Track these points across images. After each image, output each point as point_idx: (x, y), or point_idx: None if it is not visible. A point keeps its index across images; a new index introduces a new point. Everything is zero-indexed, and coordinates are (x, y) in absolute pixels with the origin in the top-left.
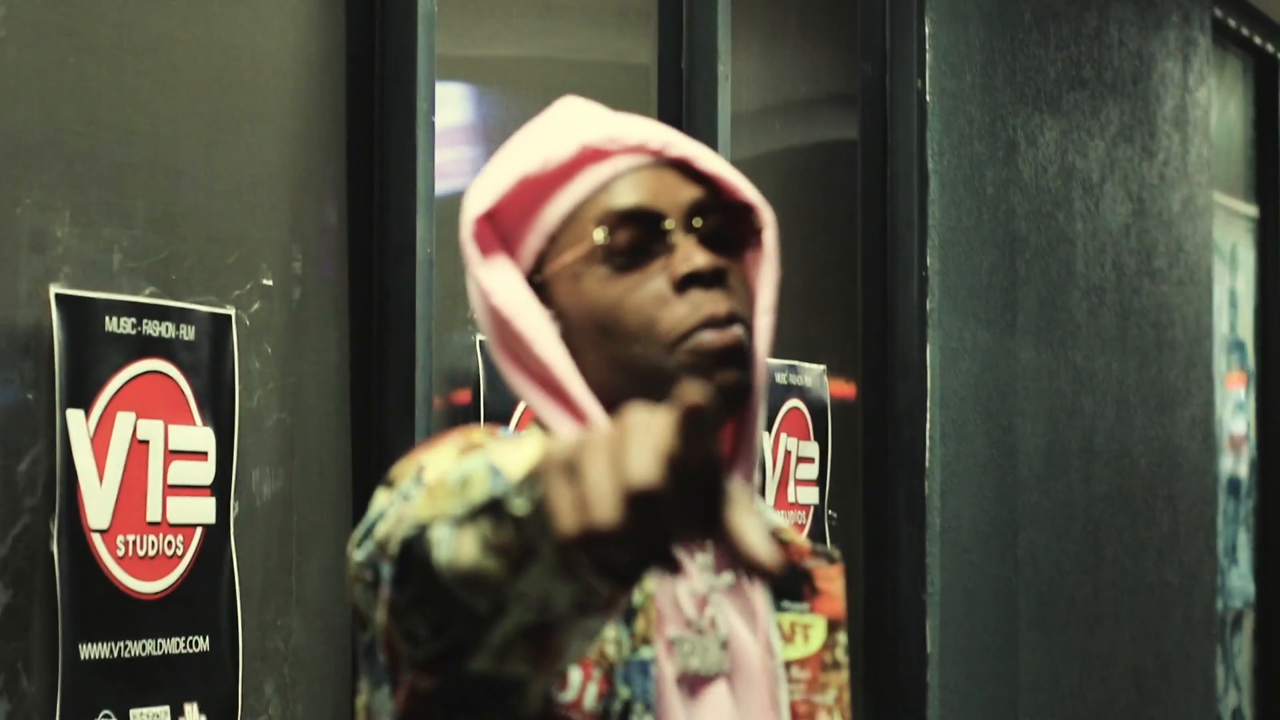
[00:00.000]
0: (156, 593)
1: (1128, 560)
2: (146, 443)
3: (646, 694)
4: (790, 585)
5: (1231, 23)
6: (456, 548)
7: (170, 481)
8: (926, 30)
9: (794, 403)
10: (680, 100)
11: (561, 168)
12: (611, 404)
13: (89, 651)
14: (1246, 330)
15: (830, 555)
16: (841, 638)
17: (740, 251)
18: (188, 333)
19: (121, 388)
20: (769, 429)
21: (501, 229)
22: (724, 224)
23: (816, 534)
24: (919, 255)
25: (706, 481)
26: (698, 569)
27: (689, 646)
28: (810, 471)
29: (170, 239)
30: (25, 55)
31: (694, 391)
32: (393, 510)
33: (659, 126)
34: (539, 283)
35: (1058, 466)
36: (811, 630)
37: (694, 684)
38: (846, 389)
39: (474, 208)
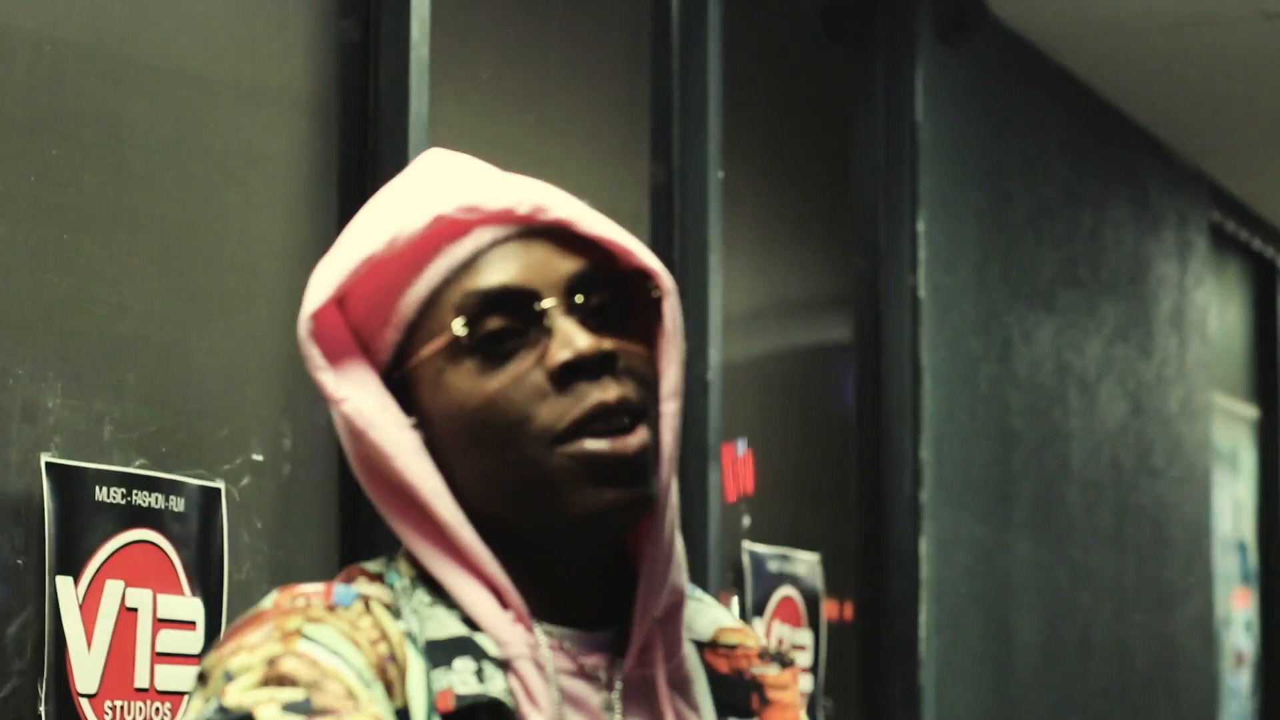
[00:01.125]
0: None
1: None
2: (135, 610)
3: None
4: (738, 698)
5: (1230, 226)
6: None
7: (159, 649)
8: (919, 227)
9: (787, 590)
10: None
11: (413, 246)
12: (486, 520)
13: None
14: (1249, 533)
15: (783, 658)
16: None
17: (637, 328)
18: (177, 504)
19: (111, 556)
20: (760, 614)
21: (352, 318)
22: (613, 298)
23: None
24: (912, 447)
25: None
26: (601, 711)
27: None
28: (804, 659)
29: (161, 412)
30: (18, 231)
31: None
32: None
33: (530, 186)
34: (398, 380)
35: (1054, 660)
36: None
37: None
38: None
39: (312, 300)
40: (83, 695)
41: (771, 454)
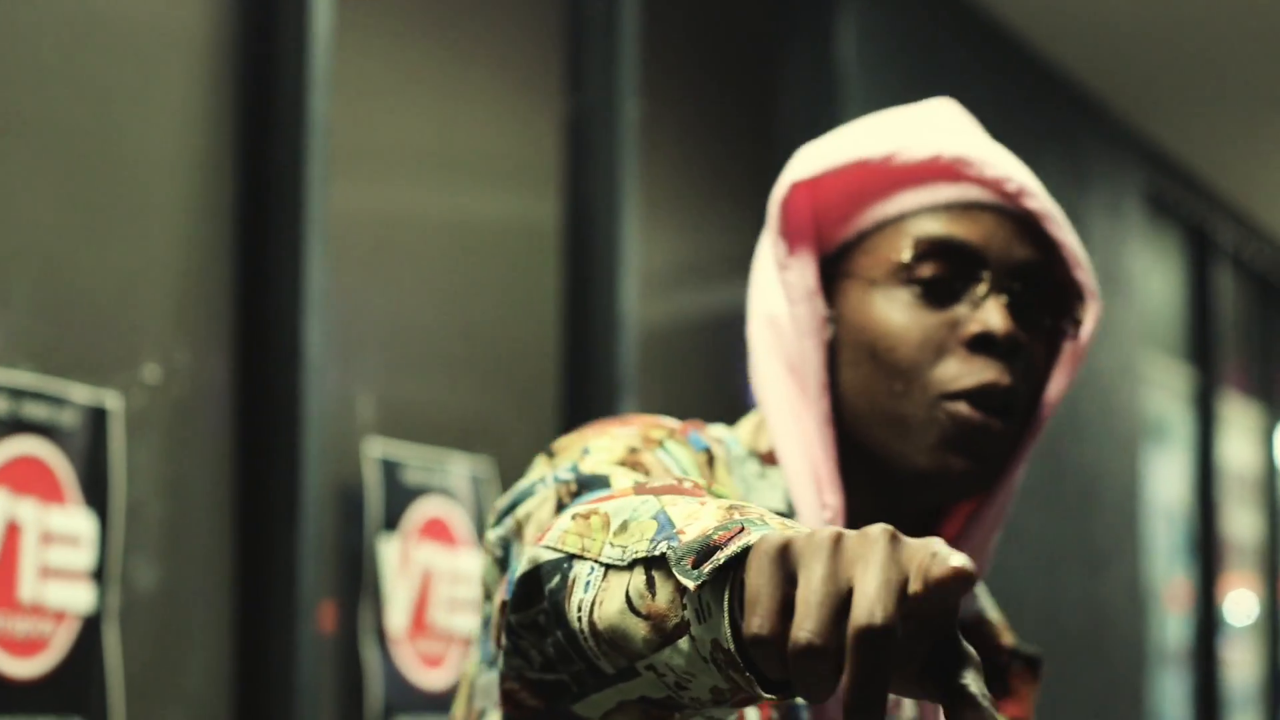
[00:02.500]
0: (29, 677)
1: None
2: (20, 525)
3: None
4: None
5: (1168, 195)
6: (599, 595)
7: (46, 563)
8: None
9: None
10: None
11: (905, 169)
12: (848, 428)
13: None
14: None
15: (1032, 661)
16: None
17: (1048, 333)
18: (67, 418)
19: None
20: None
21: (817, 200)
22: (1043, 299)
23: None
24: None
25: (941, 637)
26: None
27: None
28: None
29: (50, 324)
30: None
31: (961, 559)
32: (540, 494)
33: (1019, 168)
34: (829, 274)
35: None
36: None
37: None
38: None
39: (795, 171)
40: None
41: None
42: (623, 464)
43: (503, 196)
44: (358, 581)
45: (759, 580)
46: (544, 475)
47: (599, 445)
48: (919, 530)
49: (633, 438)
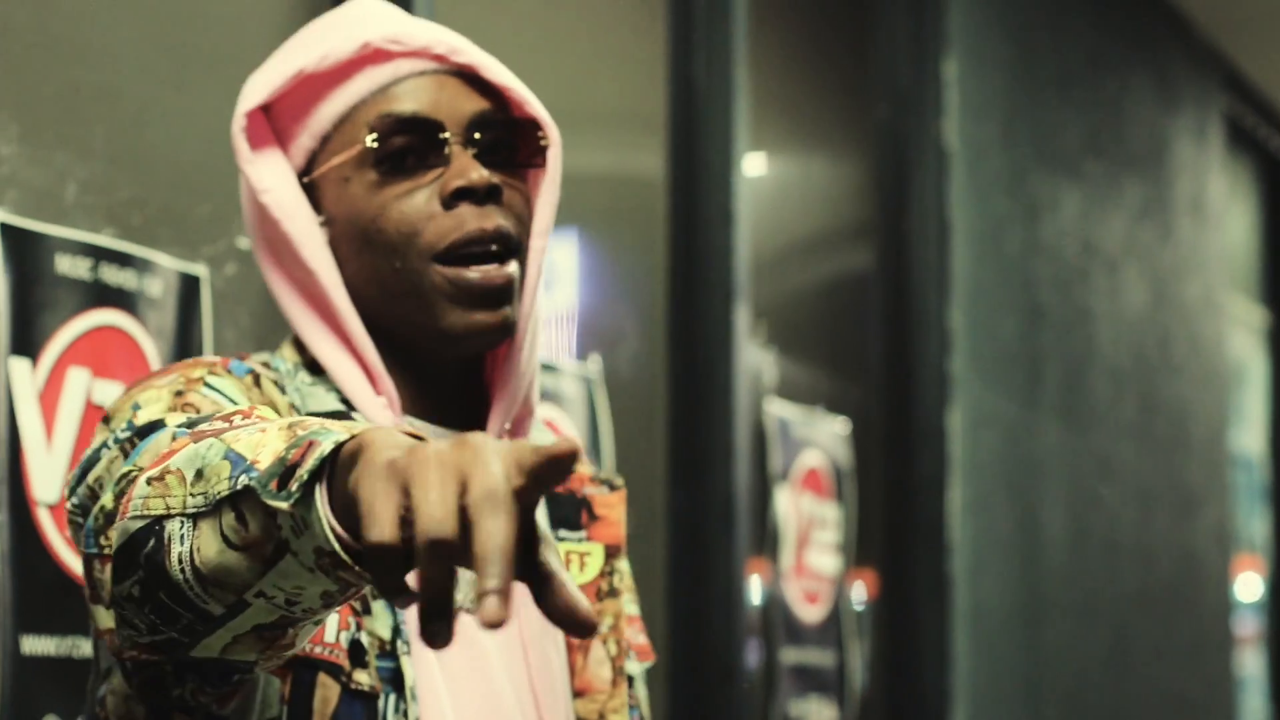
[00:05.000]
0: None
1: (1152, 667)
2: (103, 407)
3: (400, 622)
4: (568, 513)
5: (1246, 121)
6: (195, 544)
7: None
8: (949, 71)
9: (814, 458)
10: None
11: (340, 66)
12: (369, 317)
13: (32, 646)
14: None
15: (611, 482)
16: (621, 565)
17: (521, 170)
18: (152, 286)
19: (75, 340)
20: (784, 478)
21: (276, 124)
22: (506, 139)
23: (839, 614)
24: (939, 311)
25: (526, 526)
26: None
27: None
28: (831, 536)
29: (133, 177)
30: None
31: (567, 445)
32: (105, 457)
33: (447, 32)
34: (308, 184)
35: (1082, 558)
36: (589, 558)
37: None
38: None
39: (246, 101)
40: (41, 504)
41: (790, 313)
42: (173, 409)
43: (611, 147)
44: None
45: (372, 495)
46: (105, 439)
47: (146, 398)
48: (467, 387)
49: (175, 382)
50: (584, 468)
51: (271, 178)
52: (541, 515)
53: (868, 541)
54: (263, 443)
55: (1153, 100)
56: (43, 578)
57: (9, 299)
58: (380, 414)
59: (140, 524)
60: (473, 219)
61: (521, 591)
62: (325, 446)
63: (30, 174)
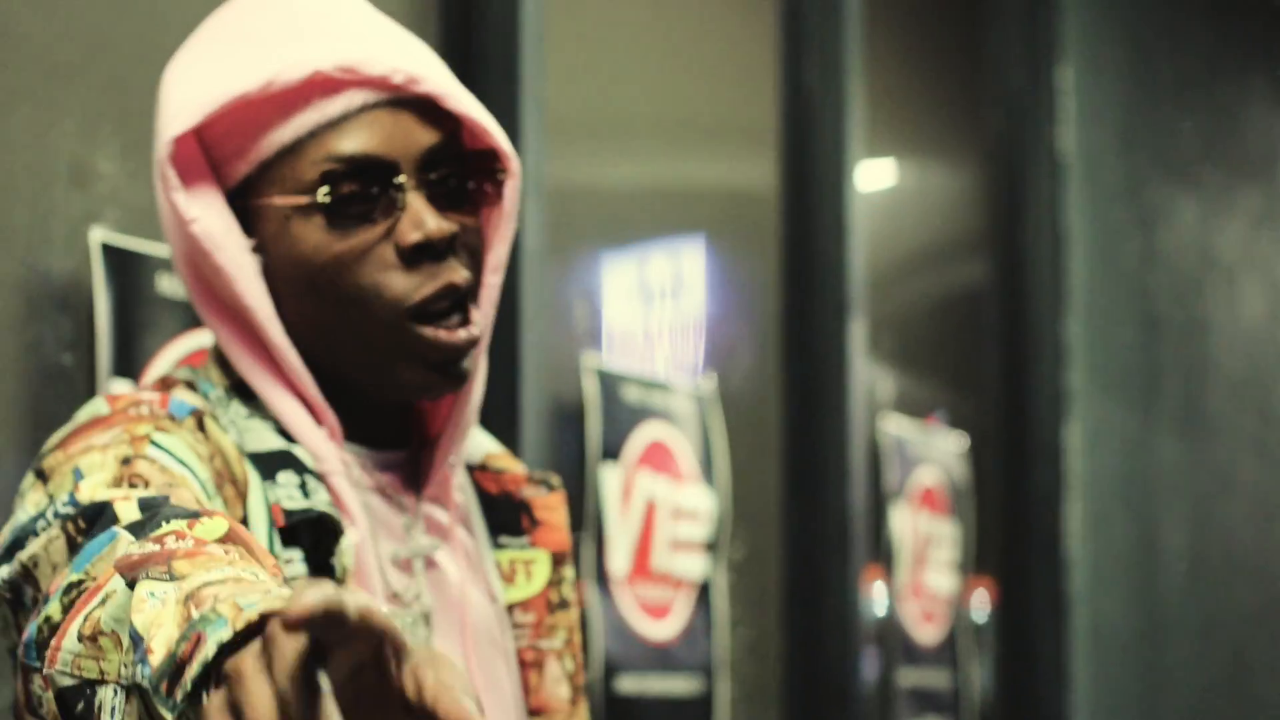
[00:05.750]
0: None
1: (1272, 687)
2: None
3: None
4: (507, 518)
5: None
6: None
7: None
8: (1064, 78)
9: (929, 475)
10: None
11: (286, 93)
12: (306, 350)
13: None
14: None
15: (548, 482)
16: (568, 573)
17: (474, 200)
18: None
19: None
20: (899, 495)
21: (204, 141)
22: (461, 173)
23: (955, 634)
24: (1054, 323)
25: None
26: (401, 532)
27: (404, 622)
28: (947, 554)
29: None
30: None
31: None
32: (45, 534)
33: (405, 52)
34: (240, 209)
35: (1201, 576)
36: (534, 567)
37: None
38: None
39: (176, 124)
40: None
41: (904, 326)
42: (119, 481)
43: (722, 159)
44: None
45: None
46: (43, 508)
47: (89, 464)
48: (404, 411)
49: (120, 444)
50: (517, 466)
51: (198, 207)
52: (480, 525)
53: (985, 559)
54: (159, 619)
55: (1270, 105)
56: None
57: (110, 320)
58: (323, 445)
59: (69, 682)
60: (435, 274)
61: (470, 603)
62: (209, 646)
63: (130, 192)
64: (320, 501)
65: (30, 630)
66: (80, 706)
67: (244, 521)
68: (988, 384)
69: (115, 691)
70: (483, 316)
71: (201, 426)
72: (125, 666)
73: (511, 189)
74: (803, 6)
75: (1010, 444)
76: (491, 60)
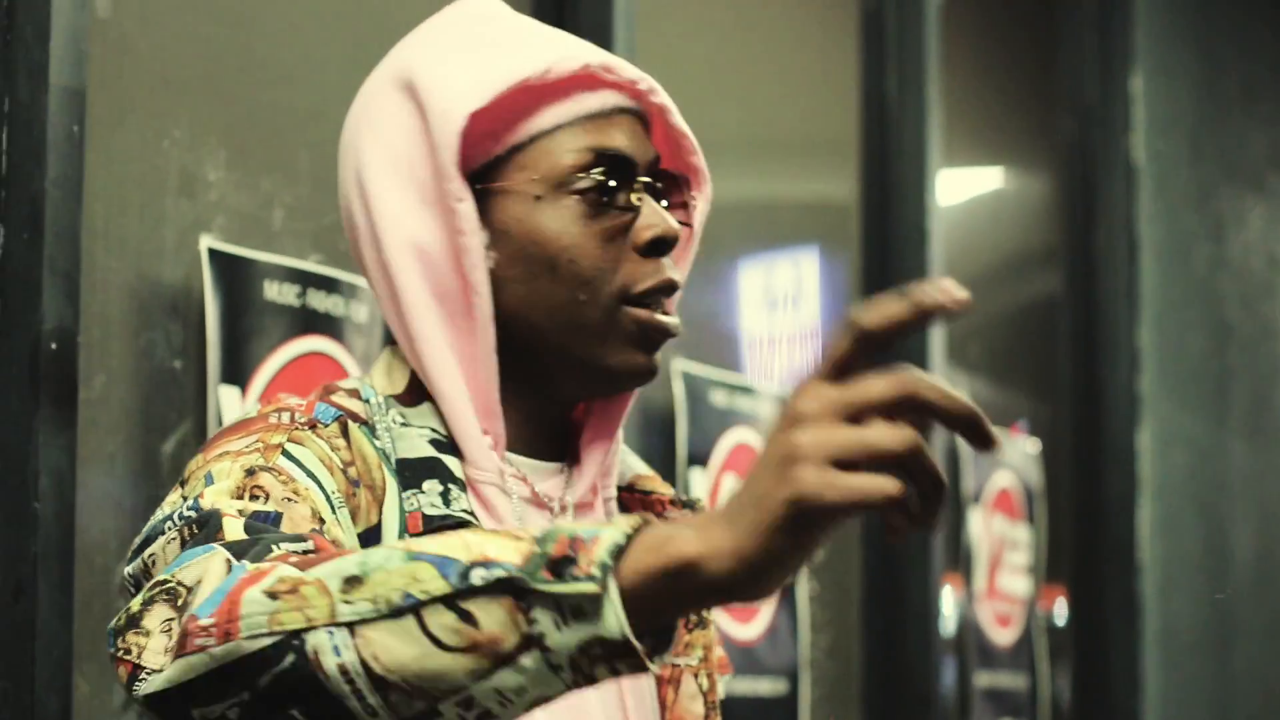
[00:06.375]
0: None
1: None
2: None
3: None
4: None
5: None
6: (367, 652)
7: None
8: (1136, 86)
9: (1004, 479)
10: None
11: (559, 82)
12: (511, 345)
13: None
14: None
15: (692, 504)
16: None
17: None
18: (358, 312)
19: (283, 367)
20: (976, 500)
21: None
22: (666, 185)
23: (1030, 636)
24: (1129, 329)
25: None
26: None
27: None
28: (1021, 558)
29: (336, 202)
30: None
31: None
32: (167, 534)
33: (632, 66)
34: (478, 190)
35: (1270, 580)
36: None
37: None
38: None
39: (468, 101)
40: None
41: (979, 333)
42: (240, 490)
43: (805, 172)
44: None
45: (823, 481)
46: (172, 511)
47: (220, 470)
48: (561, 422)
49: (251, 453)
50: (665, 489)
51: (462, 185)
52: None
53: (1058, 563)
54: (478, 545)
55: None
56: None
57: (219, 325)
58: (483, 454)
59: (267, 641)
60: (659, 269)
61: None
62: (612, 534)
63: (237, 199)
64: (460, 510)
65: (112, 621)
66: (289, 660)
67: (378, 526)
68: (1061, 389)
69: (330, 633)
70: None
71: (345, 432)
72: (346, 604)
73: (701, 214)
74: (883, 20)
75: (1084, 448)
76: None
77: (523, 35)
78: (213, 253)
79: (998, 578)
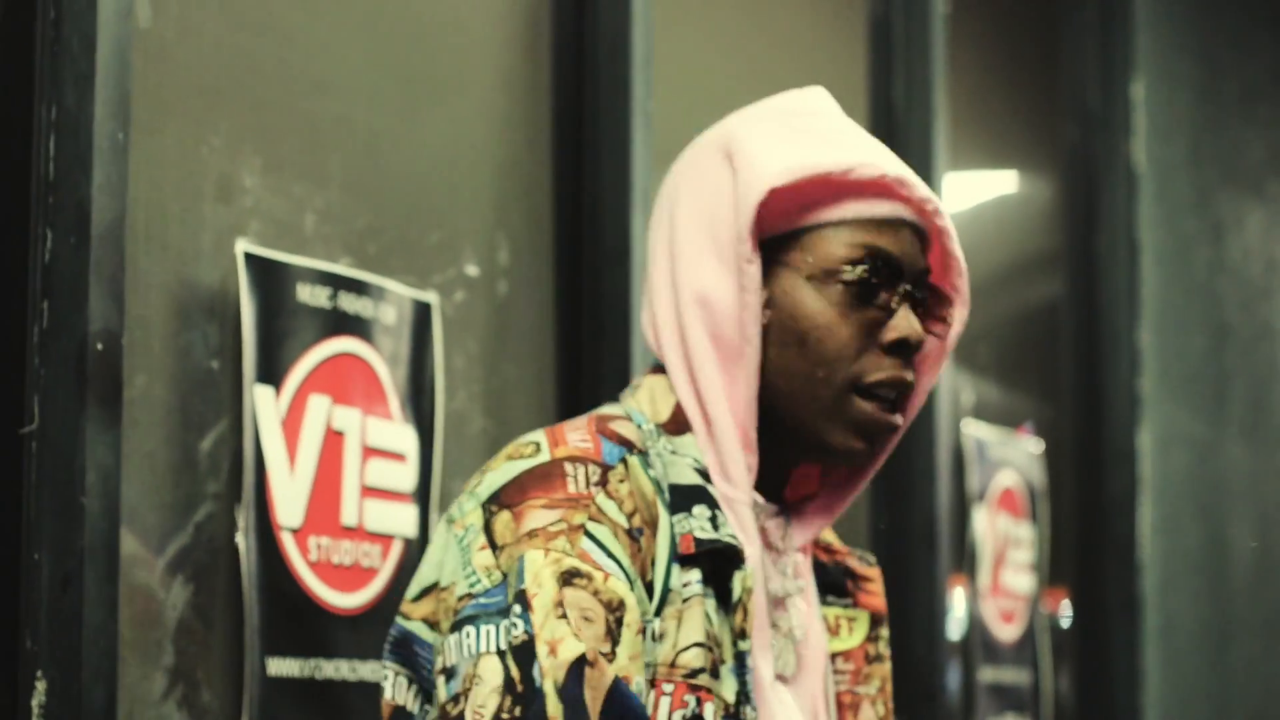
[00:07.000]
0: (352, 608)
1: None
2: (342, 433)
3: (747, 687)
4: (837, 580)
5: None
6: None
7: (367, 482)
8: (1137, 92)
9: (1009, 478)
10: None
11: (858, 184)
12: (763, 397)
13: (278, 667)
14: None
15: (866, 558)
16: (884, 632)
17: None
18: (387, 314)
19: (315, 367)
20: (981, 499)
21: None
22: (927, 303)
23: (1033, 632)
24: (1129, 331)
25: None
26: (777, 572)
27: (777, 649)
28: (1025, 555)
29: (367, 206)
30: None
31: None
32: (480, 631)
33: (925, 186)
34: (764, 257)
35: (1269, 579)
36: (855, 624)
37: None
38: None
39: (772, 178)
40: (285, 529)
41: (982, 335)
42: (558, 605)
43: None
44: None
45: None
46: (491, 598)
47: (532, 562)
48: (787, 475)
49: (558, 536)
50: (840, 544)
51: (755, 249)
52: (813, 585)
53: (1060, 561)
54: None
55: None
56: (286, 600)
57: (254, 328)
58: (744, 487)
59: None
60: (898, 367)
61: (820, 642)
62: None
63: (272, 205)
64: (726, 534)
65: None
66: None
67: (653, 558)
68: (1063, 390)
69: None
70: (904, 421)
71: (627, 474)
72: None
73: (955, 333)
74: (890, 25)
75: (1085, 449)
76: (603, 82)
77: (837, 134)
78: (248, 256)
79: (1002, 575)
